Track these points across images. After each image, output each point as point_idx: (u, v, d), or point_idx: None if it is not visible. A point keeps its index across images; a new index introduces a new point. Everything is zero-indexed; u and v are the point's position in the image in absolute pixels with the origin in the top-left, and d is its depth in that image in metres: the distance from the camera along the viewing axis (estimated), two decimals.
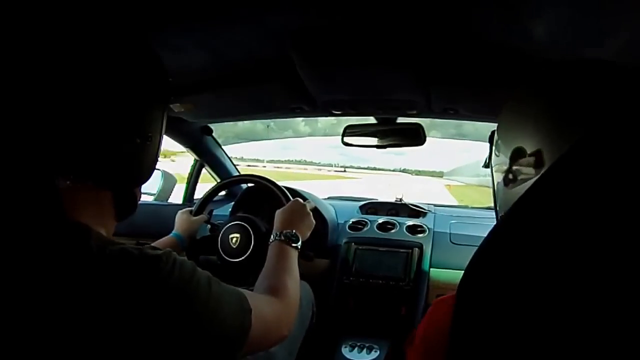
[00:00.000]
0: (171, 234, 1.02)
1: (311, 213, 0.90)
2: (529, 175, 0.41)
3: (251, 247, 1.03)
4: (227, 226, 1.07)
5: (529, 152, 0.41)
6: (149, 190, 1.65)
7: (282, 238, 0.77)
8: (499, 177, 0.48)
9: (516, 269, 0.29)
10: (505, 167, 0.45)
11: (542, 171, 0.38)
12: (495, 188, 0.50)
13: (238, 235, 1.04)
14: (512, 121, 0.46)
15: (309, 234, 0.86)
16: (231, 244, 1.05)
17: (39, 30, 0.37)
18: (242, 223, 1.06)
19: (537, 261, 0.28)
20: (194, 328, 0.40)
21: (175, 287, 0.40)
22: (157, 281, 0.39)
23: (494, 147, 0.50)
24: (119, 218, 0.49)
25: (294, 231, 0.79)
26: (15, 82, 0.36)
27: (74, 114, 0.39)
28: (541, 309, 0.27)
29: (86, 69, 0.39)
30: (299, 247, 0.79)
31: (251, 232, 1.04)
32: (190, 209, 1.12)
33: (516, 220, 0.31)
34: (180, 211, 1.10)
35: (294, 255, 0.76)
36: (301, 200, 0.91)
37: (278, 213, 0.88)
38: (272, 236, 0.79)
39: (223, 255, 1.06)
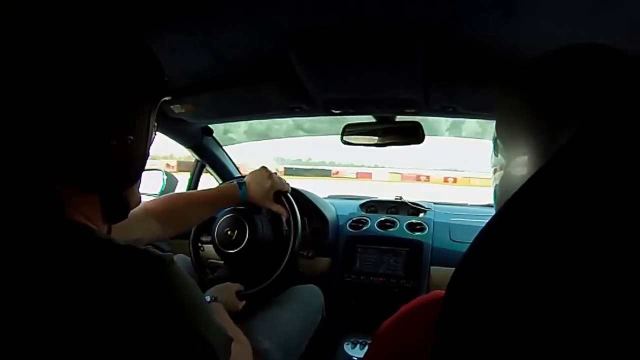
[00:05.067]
0: (238, 185, 0.94)
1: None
2: (525, 176, 0.38)
3: (245, 240, 1.04)
4: (223, 218, 1.08)
5: (524, 149, 0.38)
6: (152, 191, 1.66)
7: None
8: (497, 179, 0.45)
9: (512, 268, 0.28)
10: (502, 168, 0.42)
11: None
12: (494, 190, 0.47)
13: (233, 227, 1.05)
14: (505, 116, 0.44)
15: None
16: (227, 234, 1.06)
17: (10, 26, 0.37)
18: (238, 216, 1.06)
19: (535, 260, 0.27)
20: (190, 331, 0.40)
21: (179, 288, 0.41)
22: (163, 279, 0.40)
23: (492, 148, 0.47)
24: (108, 221, 0.47)
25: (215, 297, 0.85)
26: None
27: (46, 113, 0.38)
28: (538, 309, 0.26)
29: (59, 65, 0.38)
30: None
31: (247, 226, 1.04)
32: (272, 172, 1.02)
33: (512, 217, 0.29)
34: (263, 167, 1.01)
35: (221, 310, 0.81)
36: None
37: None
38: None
39: (218, 244, 1.07)
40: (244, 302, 0.92)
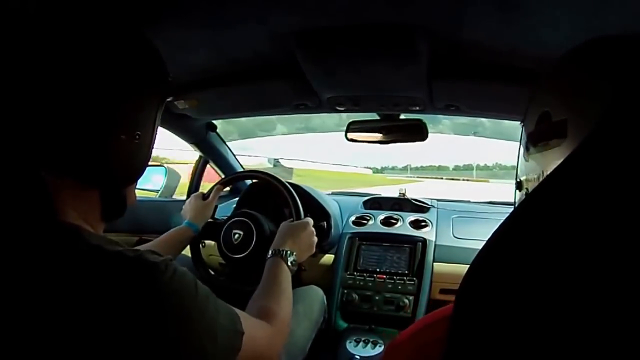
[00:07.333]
0: (184, 224, 1.01)
1: (314, 232, 0.93)
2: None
3: (252, 245, 1.03)
4: (230, 221, 1.08)
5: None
6: (154, 186, 1.67)
7: (282, 255, 0.79)
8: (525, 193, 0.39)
9: (528, 269, 0.26)
10: (540, 176, 0.36)
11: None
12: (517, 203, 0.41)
13: (241, 232, 1.05)
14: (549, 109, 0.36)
15: (306, 257, 0.89)
16: (233, 239, 1.05)
17: (17, 22, 0.37)
18: (246, 220, 1.06)
19: (551, 265, 0.25)
20: (184, 341, 0.39)
21: (172, 297, 0.39)
22: (153, 289, 0.38)
23: (520, 153, 0.41)
24: (105, 218, 0.47)
25: (294, 252, 0.81)
26: None
27: (55, 107, 0.38)
28: (553, 317, 0.24)
29: (69, 61, 0.38)
30: (295, 269, 0.80)
31: (254, 230, 1.04)
32: (202, 192, 1.11)
33: (529, 216, 0.28)
34: (193, 195, 1.10)
35: (288, 276, 0.76)
36: (310, 221, 0.94)
37: (284, 226, 0.90)
38: (270, 251, 0.81)
39: (224, 249, 1.07)
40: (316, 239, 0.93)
